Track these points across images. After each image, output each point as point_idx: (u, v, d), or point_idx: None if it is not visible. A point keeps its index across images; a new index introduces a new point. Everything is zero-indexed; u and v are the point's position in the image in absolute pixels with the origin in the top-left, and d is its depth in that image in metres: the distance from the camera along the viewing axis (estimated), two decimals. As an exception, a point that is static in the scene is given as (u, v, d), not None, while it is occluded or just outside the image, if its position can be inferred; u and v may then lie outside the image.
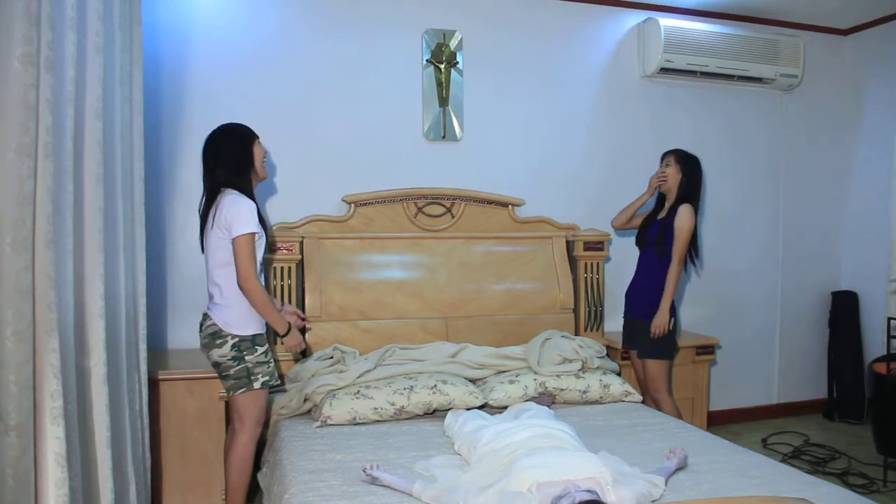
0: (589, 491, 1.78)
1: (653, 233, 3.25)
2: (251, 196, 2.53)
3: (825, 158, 4.58)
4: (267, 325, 2.60)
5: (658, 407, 3.22)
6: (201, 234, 2.57)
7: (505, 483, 1.90)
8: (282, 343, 2.69)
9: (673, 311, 3.24)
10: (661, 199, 3.36)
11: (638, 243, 3.38)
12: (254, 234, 2.45)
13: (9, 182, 1.72)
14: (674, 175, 3.24)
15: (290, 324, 2.61)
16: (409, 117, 3.67)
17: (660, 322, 3.14)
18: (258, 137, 2.63)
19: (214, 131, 2.60)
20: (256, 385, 2.50)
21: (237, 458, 2.53)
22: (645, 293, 3.26)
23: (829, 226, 4.62)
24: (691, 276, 4.23)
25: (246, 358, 2.49)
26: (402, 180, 3.58)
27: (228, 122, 2.65)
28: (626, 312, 3.42)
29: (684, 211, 3.16)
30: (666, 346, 3.24)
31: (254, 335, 2.53)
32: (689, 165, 3.24)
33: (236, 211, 2.42)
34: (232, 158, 2.54)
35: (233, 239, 2.43)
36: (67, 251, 1.94)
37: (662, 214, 3.29)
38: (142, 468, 2.50)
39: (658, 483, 2.05)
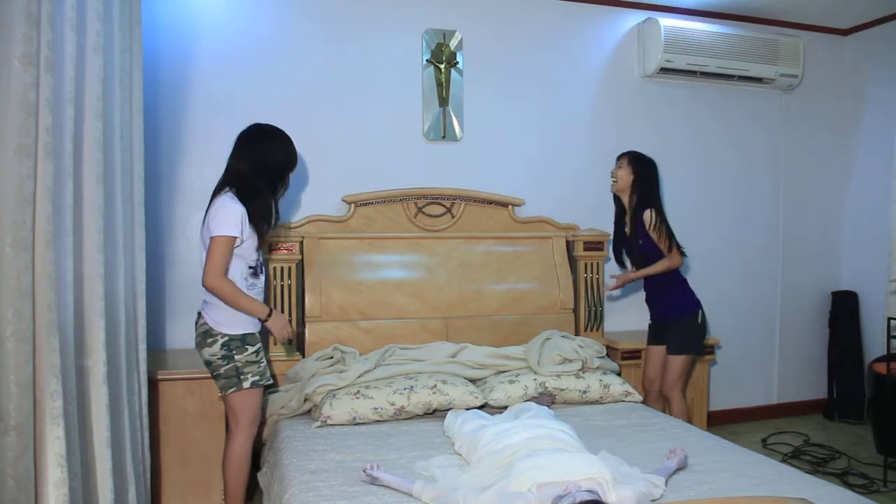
0: (590, 491, 1.78)
1: (643, 252, 3.22)
2: (247, 201, 2.48)
3: (825, 158, 4.58)
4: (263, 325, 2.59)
5: (668, 404, 3.24)
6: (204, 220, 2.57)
7: (505, 483, 1.90)
8: (270, 335, 2.60)
9: (697, 305, 3.24)
10: (622, 209, 3.34)
11: (633, 263, 3.35)
12: (233, 238, 2.41)
13: (9, 182, 1.72)
14: (625, 177, 3.24)
15: (270, 308, 2.55)
16: (409, 117, 3.67)
17: (625, 277, 3.29)
18: (292, 169, 2.63)
19: (274, 129, 2.59)
20: (246, 384, 2.50)
21: (234, 458, 2.53)
22: (658, 297, 3.28)
23: (829, 226, 4.62)
24: (692, 275, 4.22)
25: (235, 357, 2.49)
26: (402, 180, 3.58)
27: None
28: (651, 317, 3.41)
29: (647, 215, 3.16)
30: (694, 341, 3.25)
31: (244, 334, 2.52)
32: (640, 166, 3.23)
33: (222, 213, 2.42)
34: (263, 159, 2.52)
35: (210, 237, 2.41)
36: (67, 251, 1.95)
37: (629, 228, 3.28)
38: (141, 468, 2.50)
39: (658, 483, 2.05)
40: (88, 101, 2.05)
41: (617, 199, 3.37)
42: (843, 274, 4.65)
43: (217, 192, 2.52)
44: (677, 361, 3.21)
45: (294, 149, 2.62)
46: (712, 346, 3.77)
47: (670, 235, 3.18)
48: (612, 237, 3.52)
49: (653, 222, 3.14)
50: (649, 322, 3.43)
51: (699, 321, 3.22)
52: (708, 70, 4.03)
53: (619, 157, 3.31)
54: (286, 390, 3.02)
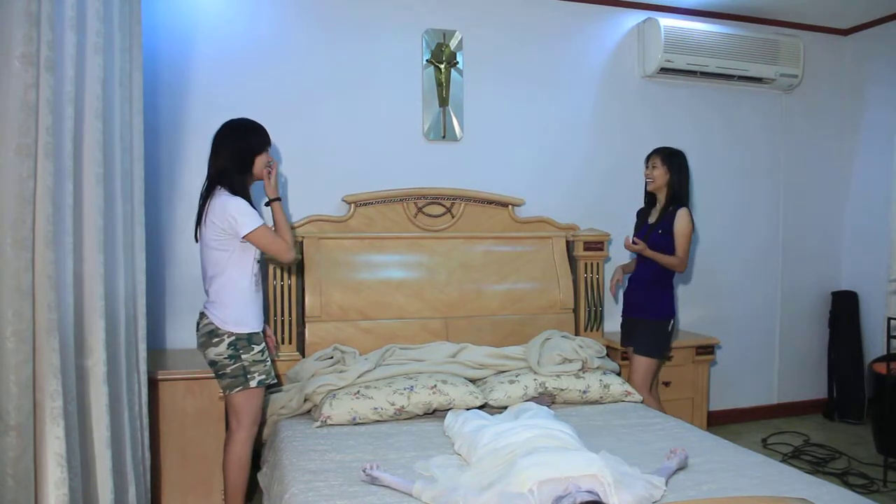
0: (590, 492, 1.78)
1: (654, 240, 3.22)
2: (244, 194, 2.52)
3: (825, 158, 4.58)
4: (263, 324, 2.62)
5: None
6: (196, 224, 2.57)
7: (506, 484, 1.90)
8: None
9: (673, 312, 3.26)
10: (651, 197, 3.35)
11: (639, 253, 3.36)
12: (263, 224, 2.47)
13: (9, 182, 1.72)
14: (661, 175, 3.23)
15: (270, 196, 2.63)
16: (409, 117, 3.67)
17: (643, 246, 3.17)
18: (268, 146, 2.63)
19: (235, 123, 2.60)
20: (252, 384, 2.51)
21: (234, 458, 2.54)
22: (642, 293, 3.29)
23: (829, 226, 4.62)
24: (691, 275, 4.23)
25: (242, 356, 2.50)
26: (402, 180, 3.58)
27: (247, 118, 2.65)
28: (624, 313, 3.44)
29: (683, 214, 3.16)
30: (662, 346, 3.29)
31: (250, 334, 2.53)
32: (675, 162, 3.23)
33: (231, 214, 2.43)
34: (234, 153, 2.54)
35: (247, 238, 2.45)
36: (67, 251, 1.95)
37: (654, 218, 3.28)
38: (141, 468, 2.50)
39: (658, 484, 2.05)
40: (88, 101, 2.05)
41: (649, 193, 3.36)
42: (843, 274, 4.65)
43: (209, 194, 2.53)
44: (643, 363, 3.25)
45: (259, 126, 2.61)
46: (712, 346, 3.77)
47: (689, 243, 3.19)
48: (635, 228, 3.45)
49: (687, 225, 3.15)
50: (621, 319, 3.46)
51: (669, 329, 3.25)
52: (708, 70, 4.03)
53: (651, 157, 3.28)
54: (286, 390, 3.02)
